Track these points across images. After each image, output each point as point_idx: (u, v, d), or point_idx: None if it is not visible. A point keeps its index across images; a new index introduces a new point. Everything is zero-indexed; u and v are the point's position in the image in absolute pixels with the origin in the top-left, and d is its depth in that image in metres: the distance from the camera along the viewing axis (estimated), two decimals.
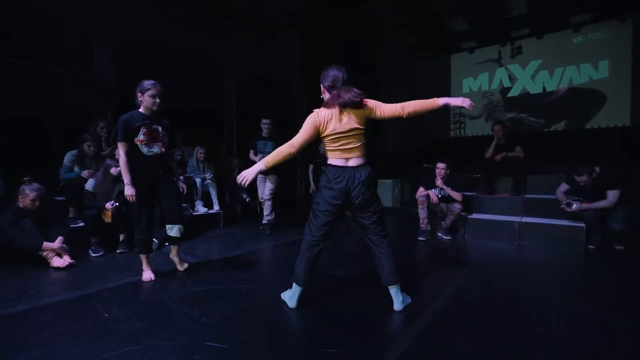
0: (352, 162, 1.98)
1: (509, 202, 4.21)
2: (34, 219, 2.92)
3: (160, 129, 2.54)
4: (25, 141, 3.88)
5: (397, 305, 2.03)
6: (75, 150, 3.73)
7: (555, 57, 8.03)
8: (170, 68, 5.23)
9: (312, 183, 5.50)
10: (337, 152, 1.99)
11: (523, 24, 7.94)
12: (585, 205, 3.55)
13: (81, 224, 3.53)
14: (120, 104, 4.70)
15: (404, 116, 1.97)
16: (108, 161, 3.53)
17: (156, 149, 2.52)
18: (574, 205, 3.58)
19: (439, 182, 4.03)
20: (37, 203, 2.91)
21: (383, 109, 1.98)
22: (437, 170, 4.11)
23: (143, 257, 2.63)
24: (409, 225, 4.95)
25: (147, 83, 2.45)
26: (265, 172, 4.15)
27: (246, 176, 1.92)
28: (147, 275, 2.61)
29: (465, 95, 9.18)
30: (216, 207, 4.73)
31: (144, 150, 2.48)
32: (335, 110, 1.95)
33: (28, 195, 2.89)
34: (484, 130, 8.90)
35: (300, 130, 1.98)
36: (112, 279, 2.63)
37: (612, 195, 3.41)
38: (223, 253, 3.45)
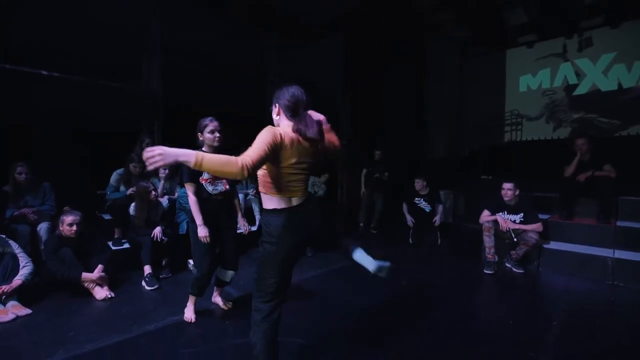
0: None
1: (597, 230, 3.54)
2: (74, 248, 2.83)
3: None
4: (76, 157, 3.89)
5: None
6: (122, 170, 3.66)
7: (634, 48, 7.00)
8: (215, 79, 5.14)
9: (363, 187, 5.60)
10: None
11: (596, 13, 6.99)
12: None
13: (126, 246, 3.46)
14: (168, 117, 4.67)
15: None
16: (142, 183, 3.36)
17: (221, 187, 2.41)
18: None
19: (507, 224, 3.49)
20: (74, 228, 2.80)
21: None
22: (503, 192, 3.58)
23: (192, 298, 2.47)
24: (465, 247, 4.44)
25: (204, 121, 2.36)
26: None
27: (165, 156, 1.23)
28: (190, 315, 2.44)
29: (522, 94, 8.46)
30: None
31: (209, 189, 2.37)
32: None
33: (65, 220, 2.81)
34: (544, 134, 8.02)
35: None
36: (152, 317, 2.46)
37: None
38: None
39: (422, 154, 8.38)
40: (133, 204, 3.36)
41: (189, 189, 2.31)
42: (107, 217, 3.75)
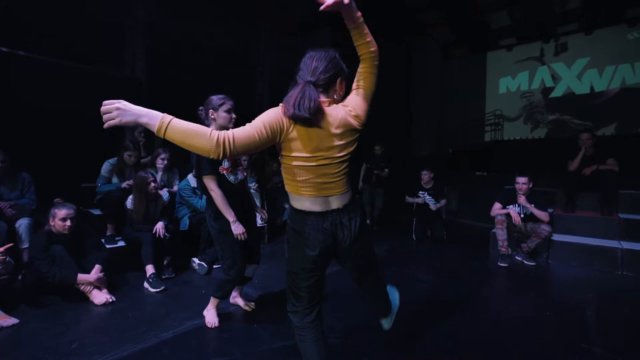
0: None
1: (602, 222, 3.64)
2: (66, 246, 2.46)
3: None
4: (57, 145, 3.45)
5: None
6: (114, 159, 3.26)
7: (606, 54, 7.45)
8: (202, 68, 4.86)
9: (360, 182, 5.42)
10: None
11: (571, 19, 7.34)
12: None
13: (121, 244, 3.09)
14: (153, 105, 4.32)
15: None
16: (141, 174, 3.02)
17: (240, 175, 2.15)
18: None
19: (522, 199, 3.51)
20: (68, 223, 2.43)
21: None
22: (518, 186, 3.59)
23: (215, 301, 2.20)
24: (468, 242, 4.45)
25: (217, 98, 2.04)
26: None
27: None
28: (212, 319, 2.17)
29: (502, 96, 8.76)
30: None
31: (231, 178, 2.09)
32: None
33: (57, 214, 2.42)
34: (522, 134, 8.36)
35: None
36: (167, 323, 2.17)
37: None
38: (283, 283, 2.97)
39: (407, 152, 8.43)
40: (130, 197, 3.01)
41: (211, 182, 2.00)
42: (95, 212, 3.35)
